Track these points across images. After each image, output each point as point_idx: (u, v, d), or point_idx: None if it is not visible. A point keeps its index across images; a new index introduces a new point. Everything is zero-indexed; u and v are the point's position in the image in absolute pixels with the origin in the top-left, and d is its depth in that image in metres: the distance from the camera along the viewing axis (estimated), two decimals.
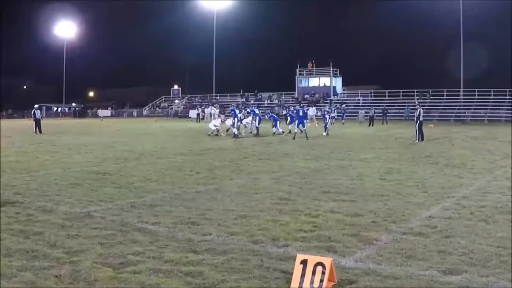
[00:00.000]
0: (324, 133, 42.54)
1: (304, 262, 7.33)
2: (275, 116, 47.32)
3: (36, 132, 45.51)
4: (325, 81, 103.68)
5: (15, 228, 10.84)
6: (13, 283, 7.58)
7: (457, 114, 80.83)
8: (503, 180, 17.34)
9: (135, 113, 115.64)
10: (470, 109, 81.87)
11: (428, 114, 71.13)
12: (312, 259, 7.36)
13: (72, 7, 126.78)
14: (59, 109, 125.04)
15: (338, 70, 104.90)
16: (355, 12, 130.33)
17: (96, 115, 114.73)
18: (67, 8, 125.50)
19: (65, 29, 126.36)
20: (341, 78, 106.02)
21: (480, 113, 79.44)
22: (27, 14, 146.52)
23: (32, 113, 48.90)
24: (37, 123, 47.10)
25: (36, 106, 49.95)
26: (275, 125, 44.58)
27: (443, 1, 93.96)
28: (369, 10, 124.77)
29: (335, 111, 76.97)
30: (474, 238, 9.94)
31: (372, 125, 60.85)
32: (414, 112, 38.46)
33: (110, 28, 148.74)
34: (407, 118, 65.73)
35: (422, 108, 38.06)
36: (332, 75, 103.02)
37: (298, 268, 7.34)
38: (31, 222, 11.48)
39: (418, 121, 35.02)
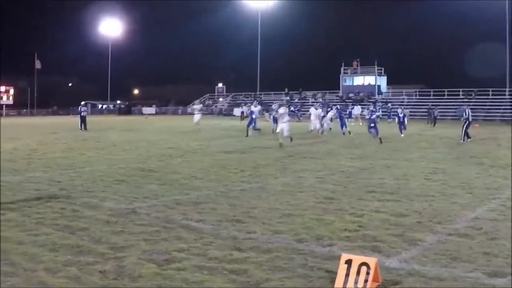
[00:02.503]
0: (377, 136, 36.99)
1: (348, 262, 7.31)
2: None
3: (81, 129, 45.97)
4: (369, 80, 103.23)
5: (61, 224, 11.00)
6: (58, 277, 7.68)
7: (503, 114, 79.79)
8: None
9: (179, 111, 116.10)
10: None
11: (473, 114, 70.34)
12: (357, 259, 7.34)
13: (117, 5, 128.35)
14: (104, 106, 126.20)
15: (383, 69, 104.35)
16: (401, 10, 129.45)
17: (140, 113, 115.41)
18: (112, 6, 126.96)
19: (110, 27, 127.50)
20: (386, 77, 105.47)
21: None
22: (73, 12, 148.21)
23: (78, 109, 49.37)
24: (83, 119, 47.57)
25: (82, 103, 50.44)
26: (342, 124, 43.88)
27: (489, 0, 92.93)
28: (415, 8, 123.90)
29: (380, 110, 76.59)
30: None
31: (434, 125, 60.62)
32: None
33: (154, 26, 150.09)
34: (460, 118, 64.91)
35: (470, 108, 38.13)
36: (377, 73, 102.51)
37: (342, 267, 7.33)
38: (77, 217, 11.62)
39: (467, 122, 35.06)
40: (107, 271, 7.98)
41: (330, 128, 44.86)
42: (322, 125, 42.31)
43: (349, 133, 41.55)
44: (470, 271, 8.03)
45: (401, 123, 42.09)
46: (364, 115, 56.20)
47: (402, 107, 49.68)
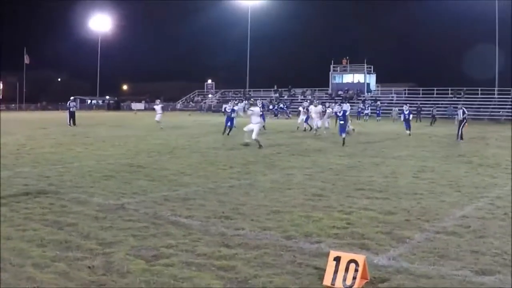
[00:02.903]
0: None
1: (337, 259, 7.33)
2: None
3: (70, 124, 45.80)
4: (359, 77, 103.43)
5: (49, 219, 11.00)
6: (46, 273, 7.68)
7: (492, 113, 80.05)
8: None
9: (168, 107, 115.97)
10: (504, 108, 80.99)
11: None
12: (346, 256, 7.36)
13: (107, 1, 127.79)
14: (93, 101, 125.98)
15: (372, 67, 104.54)
16: (391, 9, 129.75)
17: (129, 108, 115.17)
18: (102, 2, 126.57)
19: (100, 23, 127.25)
20: (375, 75, 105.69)
21: None
22: (62, 7, 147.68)
23: (67, 105, 49.21)
24: (72, 115, 47.43)
25: (71, 98, 50.29)
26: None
27: (479, 0, 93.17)
28: (405, 7, 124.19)
29: (369, 108, 76.77)
30: (507, 238, 9.84)
31: (432, 124, 60.73)
32: (456, 112, 37.01)
33: (144, 22, 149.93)
34: (450, 116, 64.68)
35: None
36: (366, 71, 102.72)
37: (331, 264, 7.34)
38: (65, 213, 11.62)
39: (465, 122, 35.01)
40: (96, 266, 7.97)
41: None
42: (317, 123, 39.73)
43: (353, 130, 39.22)
44: (458, 269, 8.05)
45: (407, 121, 39.61)
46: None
47: (408, 104, 47.25)
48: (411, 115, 42.33)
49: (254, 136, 26.79)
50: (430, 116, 65.12)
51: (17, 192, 13.89)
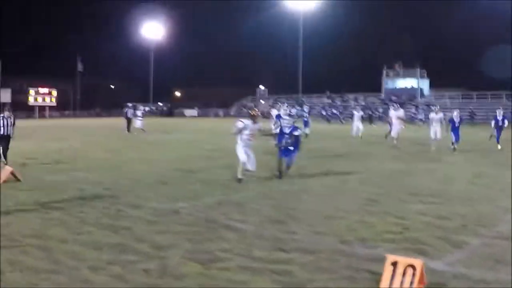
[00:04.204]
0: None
1: (394, 264, 7.27)
2: None
3: (128, 131, 45.05)
4: (412, 82, 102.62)
5: (104, 223, 11.18)
6: (101, 275, 7.81)
7: None
8: None
9: (221, 113, 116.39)
10: None
11: None
12: (403, 261, 7.29)
13: (159, 8, 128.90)
14: (146, 108, 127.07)
15: (426, 71, 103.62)
16: (443, 13, 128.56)
17: (182, 115, 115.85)
18: (154, 8, 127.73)
19: (152, 29, 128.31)
20: (428, 80, 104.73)
21: None
22: (115, 15, 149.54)
23: (124, 112, 49.04)
24: (129, 121, 46.51)
25: (129, 105, 50.25)
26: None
27: None
28: (457, 10, 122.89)
29: (423, 113, 76.02)
30: None
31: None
32: None
33: (196, 28, 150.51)
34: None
35: None
36: (419, 76, 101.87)
37: (388, 269, 7.29)
38: (120, 217, 11.81)
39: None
40: (151, 269, 8.06)
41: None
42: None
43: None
44: None
45: (455, 130, 29.52)
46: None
47: (458, 109, 33.61)
48: (506, 121, 32.88)
49: (250, 166, 17.29)
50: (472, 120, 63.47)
51: (73, 197, 14.14)
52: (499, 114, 32.62)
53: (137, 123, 45.44)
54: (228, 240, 9.80)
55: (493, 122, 32.41)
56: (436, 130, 30.64)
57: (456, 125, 30.10)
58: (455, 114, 30.33)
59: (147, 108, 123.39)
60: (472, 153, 28.08)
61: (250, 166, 16.66)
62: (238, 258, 8.65)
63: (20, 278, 7.62)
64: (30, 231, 10.33)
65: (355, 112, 42.49)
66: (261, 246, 9.42)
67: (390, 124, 35.33)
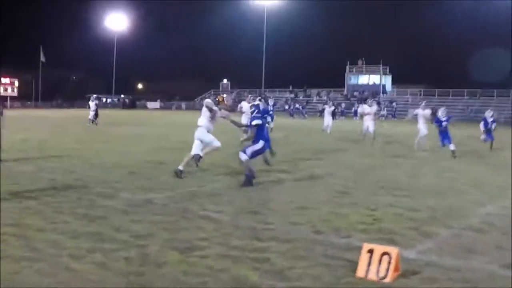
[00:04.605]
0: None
1: (370, 251, 7.51)
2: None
3: (92, 122, 44.82)
4: (374, 79, 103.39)
5: (79, 212, 11.21)
6: (83, 263, 7.87)
7: (507, 115, 79.48)
8: None
9: (183, 106, 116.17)
10: None
11: (479, 115, 70.21)
12: (379, 249, 7.54)
13: (123, 1, 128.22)
14: (108, 100, 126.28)
15: (388, 68, 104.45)
16: (405, 10, 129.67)
17: (144, 107, 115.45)
18: (117, 1, 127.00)
19: (116, 21, 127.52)
20: (391, 76, 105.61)
21: None
22: (78, 6, 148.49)
23: (89, 103, 48.68)
24: (96, 113, 46.05)
25: (94, 96, 49.74)
26: None
27: (493, 0, 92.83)
28: (419, 9, 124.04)
29: (385, 109, 76.81)
30: None
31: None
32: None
33: (160, 21, 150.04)
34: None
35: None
36: (382, 72, 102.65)
37: (364, 257, 7.53)
38: (94, 207, 11.85)
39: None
40: (132, 257, 8.17)
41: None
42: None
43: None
44: (486, 263, 8.24)
45: (443, 133, 24.87)
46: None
47: (444, 107, 27.30)
48: (494, 124, 30.06)
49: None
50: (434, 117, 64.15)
51: (45, 187, 14.14)
52: (489, 115, 29.75)
53: (91, 114, 44.78)
54: (204, 230, 9.94)
55: (482, 124, 29.64)
56: (368, 124, 31.76)
57: (489, 127, 28.27)
58: (440, 113, 25.39)
59: (109, 100, 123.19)
60: (435, 148, 28.30)
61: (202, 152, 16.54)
62: (216, 247, 8.80)
63: (1, 266, 7.63)
64: (6, 220, 10.33)
65: (326, 107, 42.65)
66: (238, 235, 9.59)
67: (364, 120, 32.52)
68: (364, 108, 34.62)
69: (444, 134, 24.67)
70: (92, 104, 44.99)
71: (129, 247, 8.73)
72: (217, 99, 17.29)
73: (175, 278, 7.36)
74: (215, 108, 16.33)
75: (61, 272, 7.48)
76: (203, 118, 16.40)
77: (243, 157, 13.94)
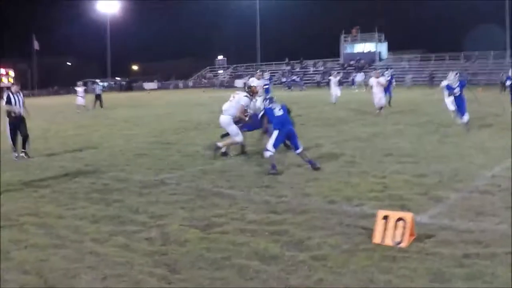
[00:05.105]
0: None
1: (385, 218, 7.75)
2: None
3: (95, 107, 45.04)
4: (370, 47, 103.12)
5: (95, 197, 11.45)
6: (107, 247, 8.10)
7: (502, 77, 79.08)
8: None
9: (181, 85, 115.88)
10: None
11: (476, 78, 70.26)
12: (394, 215, 7.78)
13: None
14: (105, 84, 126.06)
15: (383, 35, 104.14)
16: None
17: (142, 88, 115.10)
18: None
19: (108, 4, 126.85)
20: (386, 43, 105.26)
21: None
22: None
23: (92, 88, 48.75)
24: (98, 97, 46.50)
25: (97, 81, 49.50)
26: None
27: None
28: None
29: (390, 76, 76.60)
30: None
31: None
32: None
33: (151, 1, 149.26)
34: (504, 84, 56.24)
35: None
36: (377, 40, 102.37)
37: (380, 223, 7.77)
38: (108, 191, 12.09)
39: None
40: (153, 238, 8.42)
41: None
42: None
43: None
44: (497, 224, 8.50)
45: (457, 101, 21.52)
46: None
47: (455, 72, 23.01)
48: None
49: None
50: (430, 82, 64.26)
51: (56, 174, 14.33)
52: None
53: (79, 100, 43.71)
54: (220, 206, 10.20)
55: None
56: (336, 90, 37.64)
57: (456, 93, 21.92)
58: (451, 79, 22.00)
59: (105, 84, 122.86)
60: (434, 114, 28.23)
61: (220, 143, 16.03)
62: (234, 222, 9.06)
63: (27, 255, 7.80)
64: (24, 209, 10.53)
65: (332, 78, 41.83)
66: (253, 209, 9.86)
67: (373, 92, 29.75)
68: (371, 81, 30.66)
69: (457, 102, 21.16)
70: (80, 90, 44.56)
71: (149, 227, 8.97)
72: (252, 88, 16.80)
73: (199, 254, 7.57)
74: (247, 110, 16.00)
75: (87, 257, 7.67)
76: (230, 107, 16.04)
77: (268, 154, 13.69)
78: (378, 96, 28.99)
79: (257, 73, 24.83)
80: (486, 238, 7.83)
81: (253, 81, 25.52)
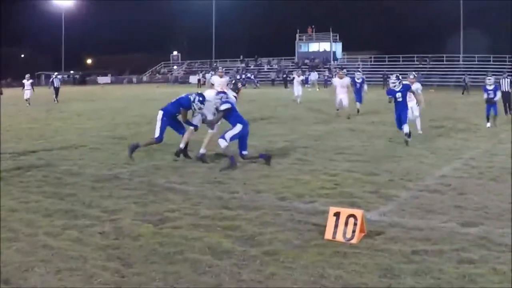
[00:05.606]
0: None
1: (337, 214, 7.89)
2: None
3: (55, 101, 44.49)
4: (325, 46, 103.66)
5: (47, 191, 11.38)
6: (60, 240, 8.07)
7: (457, 79, 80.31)
8: (508, 143, 17.59)
9: (134, 80, 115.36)
10: (470, 74, 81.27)
11: (428, 80, 71.22)
12: (345, 211, 7.93)
13: None
14: (59, 77, 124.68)
15: (338, 35, 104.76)
16: None
17: (95, 82, 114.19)
18: None
19: None
20: (341, 43, 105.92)
21: (480, 78, 78.57)
22: None
23: (50, 81, 48.29)
24: (56, 91, 46.21)
25: (56, 73, 48.98)
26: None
27: None
28: None
29: (336, 76, 77.09)
30: (486, 195, 10.54)
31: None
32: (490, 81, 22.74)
33: None
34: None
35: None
36: (332, 40, 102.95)
37: (331, 220, 7.90)
38: (62, 184, 12.01)
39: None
40: (107, 232, 8.42)
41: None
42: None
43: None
44: (445, 222, 8.71)
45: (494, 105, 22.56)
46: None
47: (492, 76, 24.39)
48: (497, 93, 23.08)
49: None
50: (385, 82, 64.97)
51: (8, 167, 14.08)
52: (490, 82, 23.28)
53: (26, 93, 43.39)
54: (173, 202, 10.25)
55: (486, 94, 23.21)
56: (299, 89, 38.72)
57: (491, 96, 22.53)
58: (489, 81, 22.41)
59: (60, 77, 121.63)
60: (387, 114, 28.49)
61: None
62: (187, 217, 9.12)
63: None
64: None
65: (295, 77, 41.70)
66: (206, 205, 9.93)
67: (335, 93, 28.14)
68: (334, 81, 29.67)
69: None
70: (27, 83, 43.98)
71: (102, 222, 8.97)
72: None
73: (152, 249, 7.62)
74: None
75: (40, 251, 7.64)
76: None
77: (223, 143, 13.62)
78: (340, 97, 27.56)
79: (219, 70, 23.59)
80: (434, 235, 8.02)
81: (215, 79, 22.34)
